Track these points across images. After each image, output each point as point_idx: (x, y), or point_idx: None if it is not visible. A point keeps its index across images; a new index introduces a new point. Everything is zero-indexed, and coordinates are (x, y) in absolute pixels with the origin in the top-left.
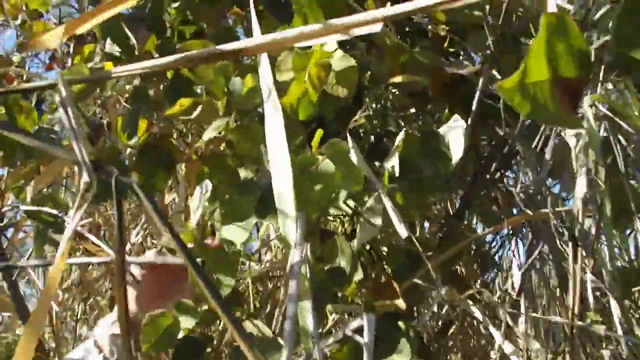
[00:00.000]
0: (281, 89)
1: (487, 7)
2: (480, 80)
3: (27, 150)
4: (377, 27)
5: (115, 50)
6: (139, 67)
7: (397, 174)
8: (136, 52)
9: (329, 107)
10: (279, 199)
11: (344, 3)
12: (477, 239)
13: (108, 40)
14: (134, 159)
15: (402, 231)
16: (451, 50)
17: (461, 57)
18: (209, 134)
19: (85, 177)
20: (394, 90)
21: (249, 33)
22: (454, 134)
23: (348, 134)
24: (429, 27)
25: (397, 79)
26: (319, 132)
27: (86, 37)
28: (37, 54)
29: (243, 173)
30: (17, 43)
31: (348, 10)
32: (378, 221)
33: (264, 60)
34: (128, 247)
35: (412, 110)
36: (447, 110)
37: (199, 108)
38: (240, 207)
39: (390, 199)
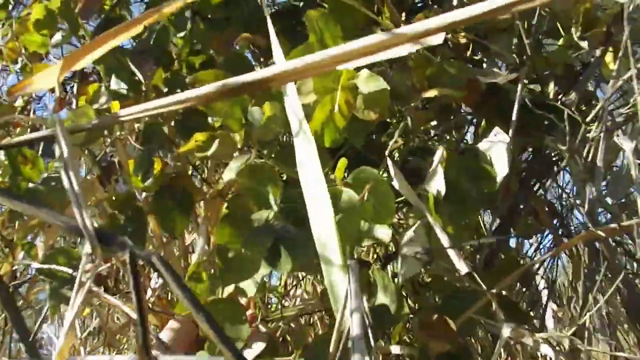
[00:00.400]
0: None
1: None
2: (519, 88)
3: (34, 202)
4: (439, 39)
5: (122, 87)
6: (148, 108)
7: (442, 198)
8: (143, 88)
9: (357, 131)
10: (320, 243)
11: (364, 16)
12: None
13: (113, 78)
14: (149, 200)
15: (462, 267)
16: (475, 58)
17: (484, 65)
18: (229, 174)
19: (87, 248)
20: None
21: (258, 58)
22: (497, 149)
23: (389, 159)
24: (449, 35)
25: (430, 93)
26: (343, 161)
27: (90, 75)
28: (42, 96)
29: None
30: (8, 88)
31: (367, 23)
32: (413, 252)
33: (290, 89)
34: (149, 294)
35: (433, 123)
36: (483, 123)
37: (216, 142)
38: (247, 262)
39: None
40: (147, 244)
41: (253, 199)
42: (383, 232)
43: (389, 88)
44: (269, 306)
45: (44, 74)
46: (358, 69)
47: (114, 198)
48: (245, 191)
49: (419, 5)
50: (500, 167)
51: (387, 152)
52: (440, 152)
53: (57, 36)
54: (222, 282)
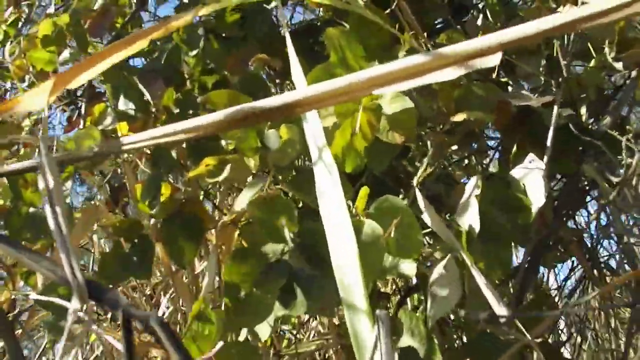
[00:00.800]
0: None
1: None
2: (555, 111)
3: (36, 228)
4: (496, 59)
5: (130, 108)
6: (154, 136)
7: (475, 233)
8: (152, 109)
9: (379, 156)
10: (343, 286)
11: (387, 34)
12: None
13: (121, 97)
14: (158, 227)
15: (501, 311)
16: (501, 80)
17: (509, 88)
18: (242, 202)
19: (75, 304)
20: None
21: (273, 80)
22: (532, 177)
23: (417, 190)
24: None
25: (459, 117)
26: (365, 190)
27: (101, 95)
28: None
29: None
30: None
31: (391, 43)
32: (445, 291)
33: (311, 115)
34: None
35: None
36: (515, 149)
37: (228, 167)
38: (259, 304)
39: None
40: (155, 270)
41: (266, 231)
42: (408, 268)
43: (414, 107)
44: (282, 338)
45: (34, 92)
46: None
47: (118, 224)
48: (258, 223)
49: (438, 26)
50: (536, 197)
51: (415, 181)
52: (474, 182)
53: (65, 53)
54: (231, 325)
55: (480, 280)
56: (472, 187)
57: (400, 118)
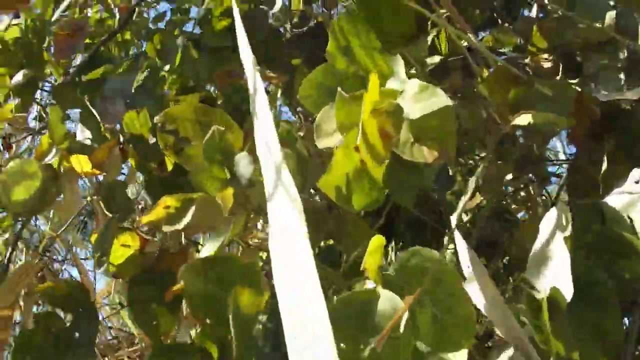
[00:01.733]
0: (324, 162)
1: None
2: None
3: None
4: None
5: (87, 137)
6: None
7: (566, 301)
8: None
9: (404, 184)
10: None
11: (411, 16)
12: None
13: (79, 127)
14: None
15: None
16: None
17: None
18: (208, 251)
19: None
20: None
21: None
22: None
23: (457, 233)
24: (526, 60)
25: (522, 119)
26: (379, 240)
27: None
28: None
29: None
30: None
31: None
32: None
33: (261, 105)
34: None
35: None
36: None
37: (192, 209)
38: None
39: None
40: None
41: (211, 319)
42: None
43: (451, 105)
44: None
45: None
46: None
47: (52, 290)
48: (194, 305)
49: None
50: None
51: (454, 220)
52: (554, 216)
53: (19, 76)
54: None
55: None
56: (553, 224)
57: (431, 124)
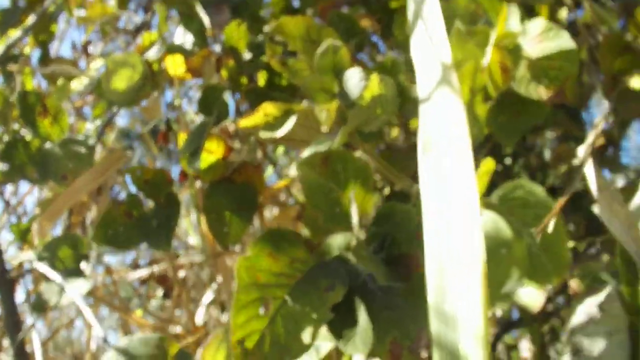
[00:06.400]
0: None
1: None
2: None
3: (45, 167)
4: None
5: (187, 41)
6: None
7: None
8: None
9: (511, 124)
10: (440, 315)
11: None
12: None
13: (179, 29)
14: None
15: None
16: None
17: None
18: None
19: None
20: None
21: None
22: None
23: (590, 160)
24: (627, 36)
25: (636, 81)
26: (489, 163)
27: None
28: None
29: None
30: None
31: None
32: (598, 346)
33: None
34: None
35: None
36: None
37: (292, 120)
38: (295, 330)
39: None
40: (197, 249)
41: (322, 208)
42: (533, 296)
43: (576, 48)
44: None
45: None
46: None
47: (140, 173)
48: (310, 193)
49: None
50: None
51: (584, 151)
52: None
53: None
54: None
55: None
56: None
57: (552, 64)
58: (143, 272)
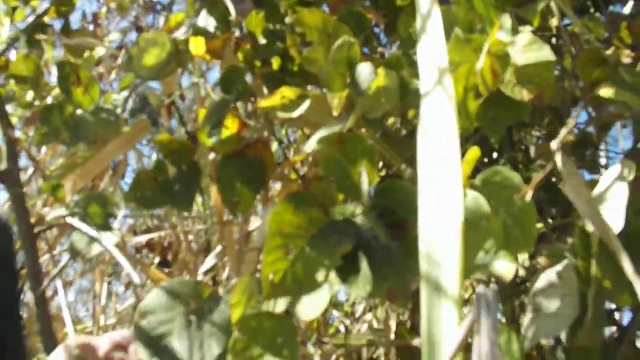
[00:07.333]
0: None
1: None
2: None
3: (77, 131)
4: None
5: (210, 24)
6: None
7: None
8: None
9: (497, 119)
10: (429, 260)
11: None
12: None
13: (203, 13)
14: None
15: None
16: None
17: None
18: (312, 144)
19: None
20: None
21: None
22: None
23: (559, 153)
24: (608, 52)
25: (606, 91)
26: (475, 151)
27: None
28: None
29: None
30: None
31: None
32: (554, 305)
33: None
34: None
35: None
36: None
37: (306, 103)
38: (311, 271)
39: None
40: (205, 218)
41: (337, 179)
42: (505, 267)
43: (554, 60)
44: (329, 324)
45: None
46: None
47: (167, 142)
48: (327, 167)
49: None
50: None
51: (556, 142)
52: (617, 168)
53: None
54: (271, 292)
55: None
56: (617, 173)
57: (533, 71)
58: (140, 239)
